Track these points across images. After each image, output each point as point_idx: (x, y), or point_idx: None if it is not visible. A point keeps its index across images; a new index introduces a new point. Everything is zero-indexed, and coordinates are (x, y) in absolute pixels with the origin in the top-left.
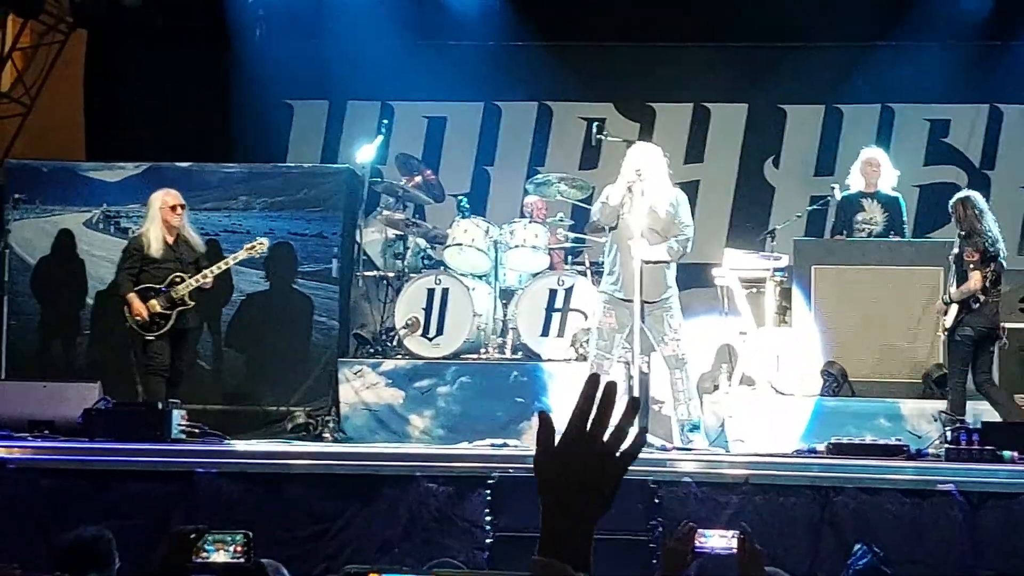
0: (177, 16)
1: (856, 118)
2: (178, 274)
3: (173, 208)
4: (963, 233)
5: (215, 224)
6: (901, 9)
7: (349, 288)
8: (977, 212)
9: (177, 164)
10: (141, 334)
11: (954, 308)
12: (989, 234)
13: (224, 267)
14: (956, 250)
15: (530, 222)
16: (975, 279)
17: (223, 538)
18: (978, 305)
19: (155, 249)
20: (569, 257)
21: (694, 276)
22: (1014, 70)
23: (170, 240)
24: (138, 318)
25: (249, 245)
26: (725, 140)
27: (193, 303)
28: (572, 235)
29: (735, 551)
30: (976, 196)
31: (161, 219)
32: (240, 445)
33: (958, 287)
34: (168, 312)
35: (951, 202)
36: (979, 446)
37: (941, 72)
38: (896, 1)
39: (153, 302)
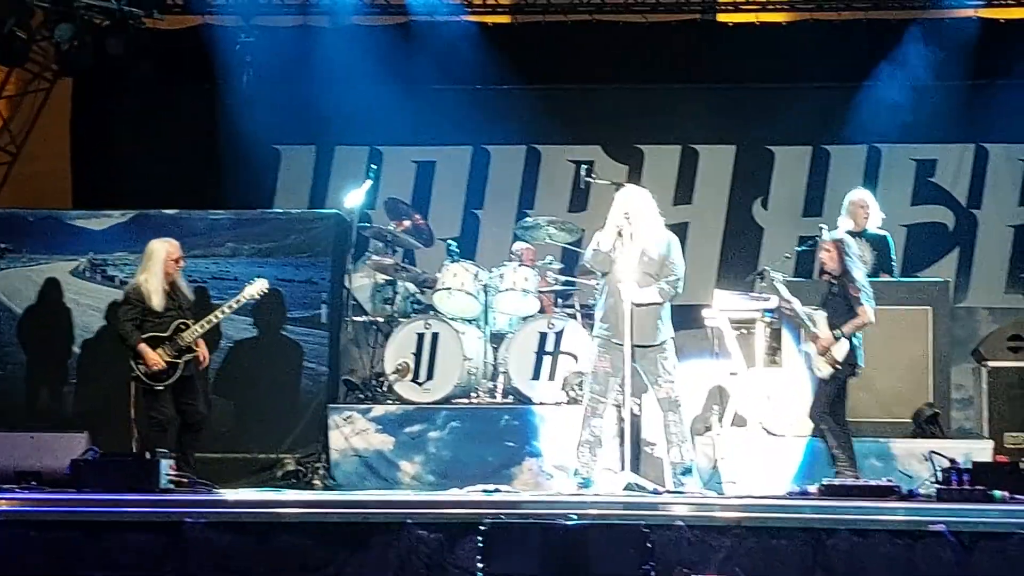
0: (164, 63)
1: (843, 159)
2: (182, 321)
3: (176, 260)
4: (836, 272)
5: (202, 271)
6: (886, 50)
7: (338, 334)
8: (848, 254)
9: (164, 211)
10: (150, 384)
11: (844, 344)
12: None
13: (228, 311)
14: (833, 288)
15: (519, 265)
16: (866, 312)
17: None
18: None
19: (156, 299)
20: (559, 300)
21: (684, 317)
22: (999, 109)
23: (167, 289)
24: (155, 367)
25: (251, 289)
26: (713, 182)
27: (198, 350)
28: (562, 278)
29: None
30: (848, 238)
31: (163, 270)
32: (229, 494)
33: (834, 325)
34: (176, 360)
35: (821, 242)
36: (970, 486)
37: (927, 112)
38: (881, 42)
39: (160, 351)
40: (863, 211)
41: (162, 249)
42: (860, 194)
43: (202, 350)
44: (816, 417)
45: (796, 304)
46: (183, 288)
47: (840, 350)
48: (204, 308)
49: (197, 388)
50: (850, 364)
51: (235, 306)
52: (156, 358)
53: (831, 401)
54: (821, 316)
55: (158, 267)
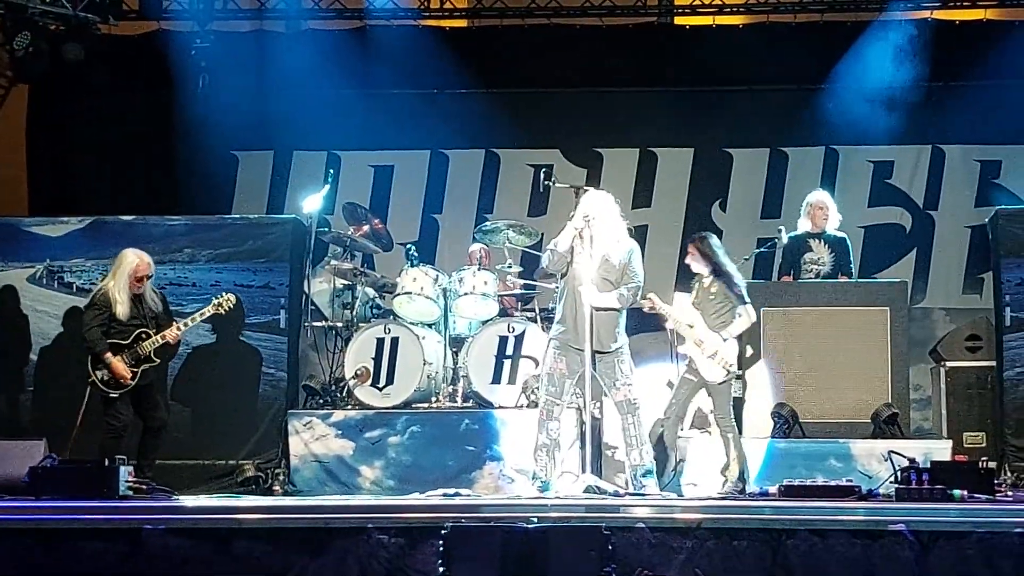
0: (120, 69)
1: (801, 161)
2: (143, 330)
3: (140, 279)
4: (704, 272)
5: (160, 277)
6: (843, 52)
7: (297, 339)
8: (716, 250)
9: (121, 218)
10: (105, 391)
11: (734, 344)
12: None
13: (191, 323)
14: (712, 288)
15: (479, 269)
16: (749, 313)
17: None
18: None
19: (121, 308)
20: (519, 304)
21: (644, 320)
22: (955, 111)
23: (132, 298)
24: (123, 381)
25: (217, 301)
26: (672, 184)
27: (158, 360)
28: (522, 282)
29: None
30: (711, 236)
31: (128, 283)
32: (188, 500)
33: (715, 326)
34: (134, 369)
35: (690, 242)
36: (929, 486)
37: (884, 114)
38: (838, 44)
39: (119, 358)
40: (821, 212)
41: (131, 262)
42: (818, 196)
43: (172, 333)
44: (724, 424)
45: (669, 310)
46: (149, 298)
47: (731, 352)
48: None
49: (156, 394)
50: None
51: (199, 319)
52: (124, 371)
53: (732, 406)
54: (697, 317)
55: (123, 278)
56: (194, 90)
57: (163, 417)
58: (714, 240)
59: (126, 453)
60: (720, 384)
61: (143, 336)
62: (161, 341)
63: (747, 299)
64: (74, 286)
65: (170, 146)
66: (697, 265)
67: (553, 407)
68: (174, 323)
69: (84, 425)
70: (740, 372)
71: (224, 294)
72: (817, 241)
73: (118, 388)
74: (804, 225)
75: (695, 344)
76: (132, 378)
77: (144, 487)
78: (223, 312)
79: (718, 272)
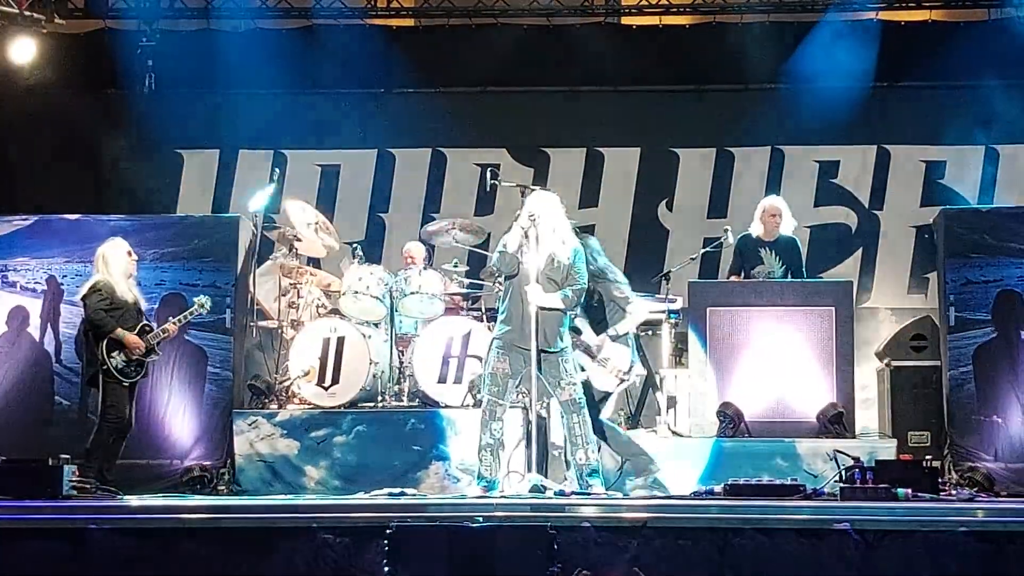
0: (65, 67)
1: (747, 160)
2: (146, 323)
3: (129, 253)
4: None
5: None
6: (789, 53)
7: (243, 338)
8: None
9: (65, 216)
10: (119, 379)
11: (623, 348)
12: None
13: (182, 321)
14: (592, 298)
15: (425, 269)
16: (640, 308)
17: None
18: None
19: (126, 296)
20: (465, 303)
21: None
22: (901, 112)
23: (129, 286)
24: (137, 350)
25: (200, 303)
26: (619, 184)
27: (159, 355)
28: (468, 281)
29: None
30: (592, 240)
31: (122, 267)
32: (133, 500)
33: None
34: (144, 359)
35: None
36: (874, 484)
37: (829, 114)
38: (784, 45)
39: (129, 349)
40: (774, 220)
41: (113, 246)
42: (771, 202)
43: (172, 326)
44: (601, 431)
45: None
46: (137, 292)
47: (621, 358)
48: None
49: (134, 396)
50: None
51: (182, 321)
52: (137, 341)
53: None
54: (583, 323)
55: (116, 262)
56: (140, 88)
57: (132, 420)
58: (594, 246)
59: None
60: (614, 390)
61: (147, 328)
62: (163, 335)
63: (633, 294)
64: (18, 285)
65: (115, 144)
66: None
67: (496, 407)
68: (170, 320)
69: (28, 425)
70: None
71: (201, 296)
72: (767, 251)
73: (133, 376)
74: (756, 229)
75: (583, 352)
76: (142, 368)
77: (88, 486)
78: (202, 314)
79: (601, 277)
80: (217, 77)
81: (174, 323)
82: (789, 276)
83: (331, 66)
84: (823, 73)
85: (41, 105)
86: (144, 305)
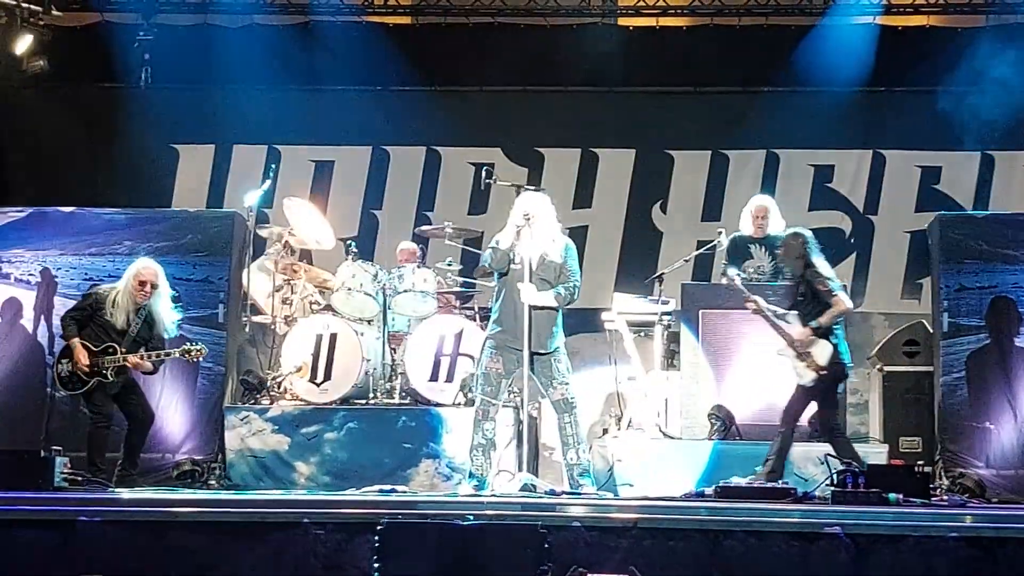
0: (62, 60)
1: (742, 163)
2: (112, 345)
3: (142, 284)
4: (796, 271)
5: (99, 269)
6: (785, 56)
7: (236, 334)
8: (810, 246)
9: (60, 209)
10: (60, 388)
11: (826, 345)
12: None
13: (156, 359)
14: (799, 290)
15: (418, 267)
16: (842, 300)
17: None
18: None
19: (116, 314)
20: (458, 302)
21: (583, 321)
22: (896, 116)
23: (131, 311)
24: (80, 365)
25: (186, 347)
26: (613, 185)
27: (114, 379)
28: (461, 279)
29: None
30: (806, 232)
31: (130, 289)
32: (124, 493)
33: (807, 319)
34: (86, 379)
35: (785, 237)
36: (865, 489)
37: (825, 118)
38: (780, 48)
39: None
40: (761, 220)
41: (134, 267)
42: (758, 202)
43: (132, 359)
44: (785, 422)
45: (760, 301)
46: (158, 320)
47: (823, 353)
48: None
49: (136, 391)
50: (836, 364)
51: (165, 358)
52: (81, 356)
53: (803, 408)
54: (793, 316)
55: (127, 283)
56: (136, 82)
57: (149, 411)
58: (811, 239)
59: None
60: (810, 386)
61: (110, 350)
62: (121, 362)
63: (841, 289)
64: (12, 276)
65: (111, 138)
66: (789, 264)
67: (489, 407)
68: (140, 352)
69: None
70: (839, 369)
71: (197, 344)
72: (758, 247)
73: (71, 388)
74: (746, 229)
75: (788, 344)
76: (82, 385)
77: (79, 479)
78: (191, 360)
79: (809, 267)
80: (213, 72)
81: (140, 357)
82: (780, 276)
83: (327, 63)
84: (820, 76)
85: (37, 97)
86: (161, 332)
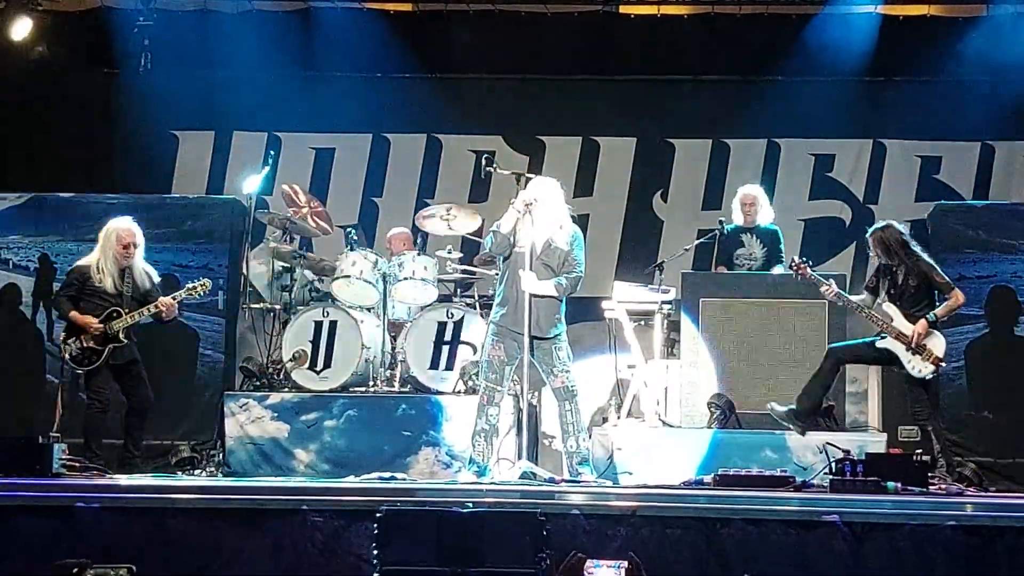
0: (61, 45)
1: (743, 152)
2: (115, 309)
3: (126, 247)
4: (887, 261)
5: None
6: (786, 45)
7: (235, 321)
8: (905, 239)
9: (60, 195)
10: (73, 367)
11: (940, 338)
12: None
13: (174, 300)
14: (909, 280)
15: (418, 254)
16: (959, 294)
17: (105, 572)
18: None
19: (105, 280)
20: (459, 290)
21: (583, 309)
22: (896, 105)
23: (116, 274)
24: (91, 329)
25: (191, 285)
26: (614, 174)
27: (127, 341)
28: (461, 267)
29: None
30: (895, 224)
31: (113, 254)
32: (123, 479)
33: (916, 316)
34: (100, 348)
35: (875, 230)
36: (863, 477)
37: (826, 108)
38: (781, 37)
39: (86, 335)
40: (751, 208)
41: (113, 230)
42: (746, 190)
43: (166, 300)
44: (924, 419)
45: (839, 292)
46: (138, 275)
47: (939, 346)
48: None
49: (138, 373)
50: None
51: (171, 303)
52: (86, 319)
53: (934, 401)
54: (894, 310)
55: (109, 248)
56: (136, 68)
57: (148, 395)
58: (903, 230)
59: (110, 430)
60: (930, 379)
61: (114, 315)
62: (131, 321)
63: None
64: (11, 263)
65: (110, 124)
66: (881, 255)
67: (494, 393)
68: (165, 298)
69: (16, 403)
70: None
71: (201, 279)
72: (749, 236)
73: (86, 364)
74: (736, 217)
75: (895, 338)
76: (97, 356)
77: (77, 465)
78: (197, 296)
79: (918, 259)
80: (213, 58)
81: (147, 309)
82: (771, 265)
83: (327, 49)
84: (821, 66)
85: (36, 83)
86: (147, 286)
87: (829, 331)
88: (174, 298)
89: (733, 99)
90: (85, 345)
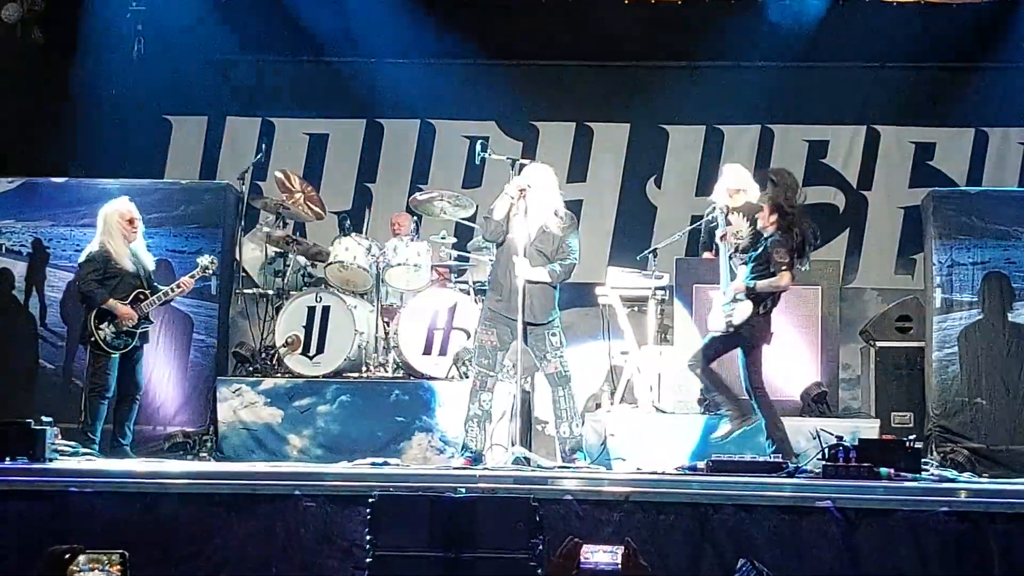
0: (53, 30)
1: (736, 138)
2: (141, 290)
3: (131, 222)
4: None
5: (91, 240)
6: (780, 30)
7: (228, 306)
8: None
9: (53, 180)
10: (107, 351)
11: (747, 306)
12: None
13: (185, 287)
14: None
15: (412, 240)
16: (786, 277)
17: (98, 558)
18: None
19: (123, 261)
20: (452, 275)
21: (576, 295)
22: (890, 92)
23: (130, 254)
24: (129, 321)
25: (203, 263)
26: (608, 159)
27: (153, 322)
28: (455, 253)
29: (620, 566)
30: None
31: (120, 232)
32: (116, 464)
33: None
34: (134, 331)
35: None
36: (856, 463)
37: (819, 93)
38: (774, 22)
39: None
40: (734, 185)
41: (113, 210)
42: (730, 167)
43: (187, 280)
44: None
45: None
46: (143, 254)
47: (741, 312)
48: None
49: (140, 361)
50: (752, 327)
51: (191, 282)
52: (128, 311)
53: (716, 356)
54: (743, 268)
55: (114, 228)
56: (129, 53)
57: (140, 382)
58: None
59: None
60: (719, 335)
61: (141, 296)
62: (158, 302)
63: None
64: (3, 247)
65: (103, 108)
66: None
67: (487, 378)
68: (184, 277)
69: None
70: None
71: (208, 256)
72: (737, 215)
73: (122, 347)
74: (722, 199)
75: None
76: (132, 338)
77: (70, 449)
78: (210, 273)
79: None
80: (206, 43)
81: (171, 289)
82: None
83: (320, 34)
84: (814, 52)
85: (29, 67)
86: (151, 267)
87: (822, 316)
88: (192, 276)
89: (727, 85)
90: (121, 329)
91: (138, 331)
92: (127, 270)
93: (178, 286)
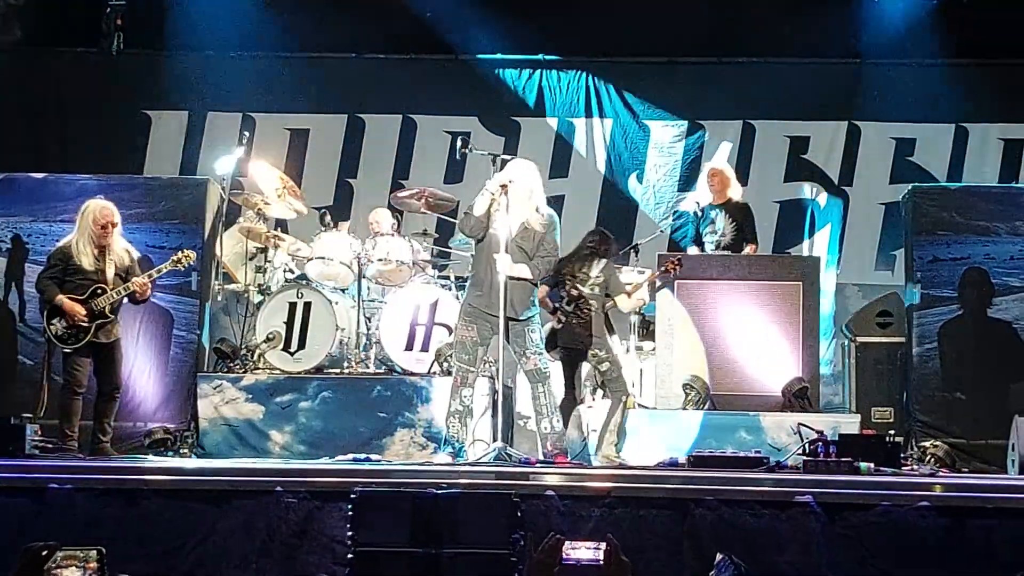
0: (34, 26)
1: (718, 134)
2: (99, 286)
3: (104, 228)
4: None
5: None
6: (761, 27)
7: (209, 302)
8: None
9: (32, 175)
10: (60, 346)
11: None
12: None
13: (148, 279)
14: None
15: (393, 236)
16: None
17: (75, 555)
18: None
19: (81, 259)
20: (434, 271)
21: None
22: (871, 88)
23: (96, 252)
24: (76, 317)
25: (175, 257)
26: (589, 155)
27: (112, 316)
28: (436, 248)
29: (601, 562)
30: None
31: (89, 234)
32: (96, 461)
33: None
34: (87, 325)
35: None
36: (836, 458)
37: (801, 90)
38: (756, 19)
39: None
40: (713, 180)
41: (90, 211)
42: (714, 164)
43: (140, 281)
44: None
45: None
46: (118, 254)
47: (625, 306)
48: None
49: (115, 357)
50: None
51: (156, 275)
52: (73, 306)
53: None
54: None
55: (86, 228)
56: (108, 48)
57: (115, 382)
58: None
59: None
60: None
61: (99, 292)
62: (116, 297)
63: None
64: None
65: (82, 104)
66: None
67: (467, 374)
68: (144, 275)
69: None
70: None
71: (184, 250)
72: (719, 212)
73: (72, 342)
74: (705, 196)
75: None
76: (84, 334)
77: (50, 445)
78: (182, 268)
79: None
80: (187, 38)
81: (134, 283)
82: (742, 241)
83: (302, 29)
84: (794, 48)
85: (8, 62)
86: (127, 263)
87: (803, 312)
88: (158, 270)
89: (708, 80)
90: (70, 323)
91: (92, 326)
92: (86, 268)
93: (134, 283)
